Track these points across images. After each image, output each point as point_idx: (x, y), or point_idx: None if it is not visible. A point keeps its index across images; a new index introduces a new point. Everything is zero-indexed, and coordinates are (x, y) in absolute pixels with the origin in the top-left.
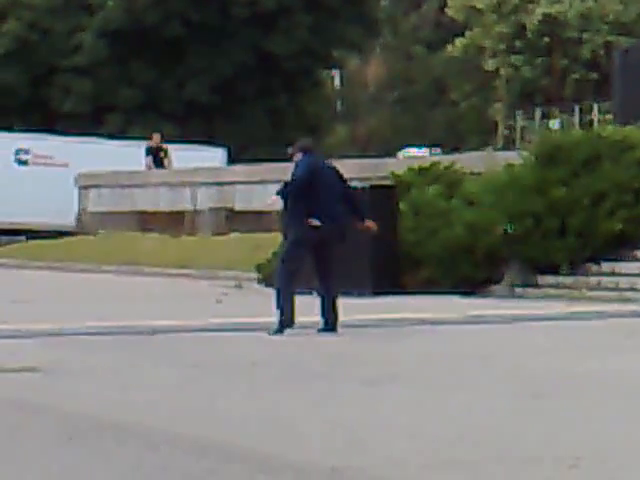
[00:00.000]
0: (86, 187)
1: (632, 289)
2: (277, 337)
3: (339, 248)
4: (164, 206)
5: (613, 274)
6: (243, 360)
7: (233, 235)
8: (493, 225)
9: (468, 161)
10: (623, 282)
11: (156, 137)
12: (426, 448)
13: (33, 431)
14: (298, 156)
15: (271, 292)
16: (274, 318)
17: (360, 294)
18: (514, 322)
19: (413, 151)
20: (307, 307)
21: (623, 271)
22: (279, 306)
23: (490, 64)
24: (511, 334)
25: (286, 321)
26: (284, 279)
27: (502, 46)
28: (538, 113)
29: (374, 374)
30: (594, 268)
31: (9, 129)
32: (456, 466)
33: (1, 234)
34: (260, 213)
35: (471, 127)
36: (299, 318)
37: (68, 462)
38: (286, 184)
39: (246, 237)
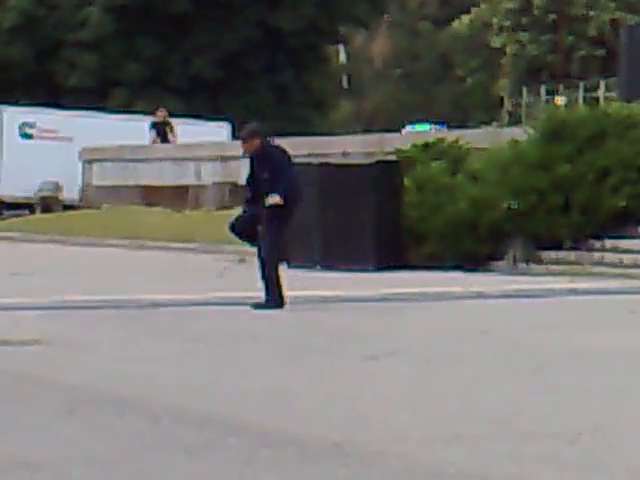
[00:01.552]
0: (90, 161)
1: (635, 265)
2: (271, 311)
3: (343, 223)
4: (168, 180)
5: (616, 250)
6: (244, 334)
7: (237, 209)
8: (497, 201)
9: (473, 137)
10: (626, 258)
11: (161, 112)
12: (427, 423)
13: (34, 403)
14: (256, 142)
15: None
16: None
17: (363, 269)
18: (516, 297)
19: (418, 127)
20: (302, 281)
21: (626, 247)
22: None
23: (496, 41)
24: (513, 309)
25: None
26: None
27: (508, 23)
28: (544, 90)
29: (375, 349)
30: (597, 244)
31: (14, 103)
32: (457, 441)
33: (5, 208)
34: None
35: (476, 103)
36: (302, 292)
37: (69, 434)
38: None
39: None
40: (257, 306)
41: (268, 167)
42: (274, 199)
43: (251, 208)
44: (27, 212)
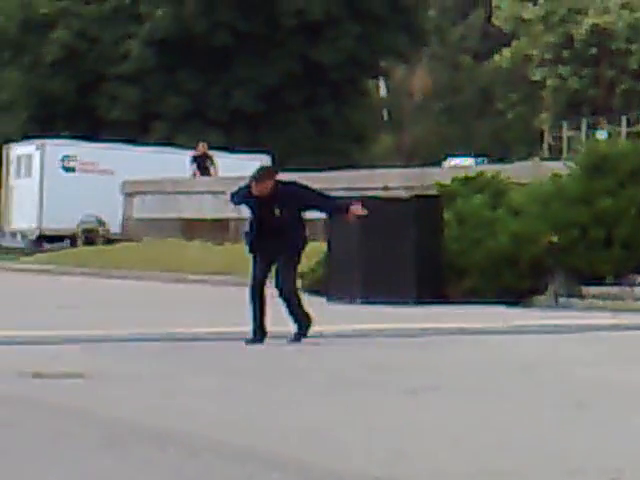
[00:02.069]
0: (131, 194)
1: None
2: (310, 345)
3: (384, 257)
4: (208, 213)
5: None
6: (284, 368)
7: None
8: (538, 235)
9: (514, 171)
10: None
11: (202, 145)
12: (468, 458)
13: (74, 437)
14: (269, 183)
15: (315, 300)
16: (322, 327)
17: (403, 303)
18: (558, 332)
19: (458, 161)
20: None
21: None
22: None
23: (537, 74)
24: (555, 344)
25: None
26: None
27: (549, 56)
28: (585, 123)
29: (415, 383)
30: (639, 279)
31: (56, 136)
32: (498, 476)
33: (47, 240)
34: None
35: (517, 137)
36: (342, 325)
37: (109, 468)
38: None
39: None
40: (295, 339)
41: (289, 204)
42: (358, 208)
43: (261, 258)
44: (68, 244)
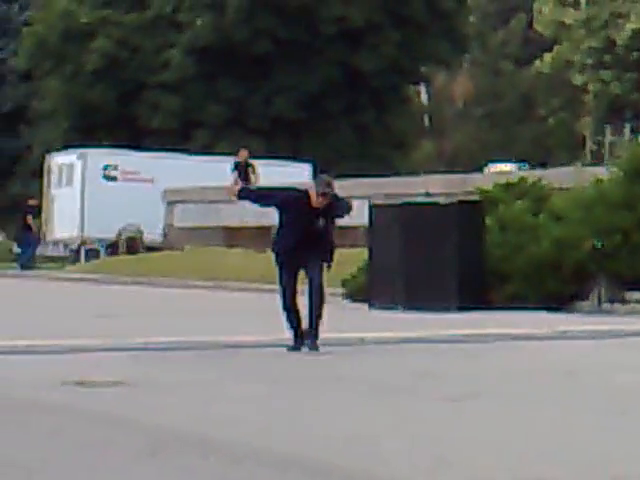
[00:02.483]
0: (172, 203)
1: None
2: (352, 352)
3: (426, 263)
4: (250, 221)
5: None
6: (327, 375)
7: None
8: (581, 241)
9: (556, 176)
10: None
11: (243, 152)
12: (512, 465)
13: (117, 445)
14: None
15: (356, 307)
16: (364, 334)
17: (446, 309)
18: (601, 338)
19: (500, 167)
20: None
21: None
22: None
23: (578, 79)
24: (598, 350)
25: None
26: None
27: (591, 61)
28: (628, 128)
29: (458, 390)
30: None
31: (97, 145)
32: None
33: (88, 250)
34: (345, 228)
35: (559, 142)
36: (384, 332)
37: (152, 476)
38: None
39: None
40: (315, 348)
41: (330, 216)
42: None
43: (291, 267)
44: (108, 253)
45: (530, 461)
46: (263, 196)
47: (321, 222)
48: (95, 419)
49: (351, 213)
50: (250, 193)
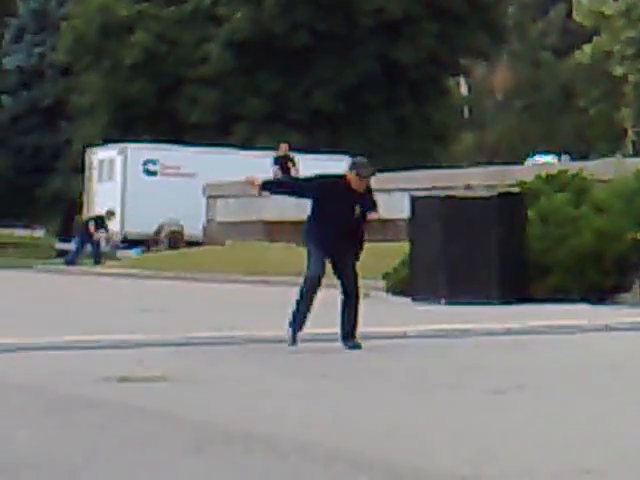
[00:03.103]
0: (213, 197)
1: None
2: (394, 346)
3: (468, 256)
4: (291, 215)
5: None
6: (370, 369)
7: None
8: (623, 232)
9: (597, 168)
10: None
11: (283, 146)
12: (555, 457)
13: (162, 441)
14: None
15: (399, 301)
16: (407, 327)
17: (488, 302)
18: None
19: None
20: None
21: None
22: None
23: (618, 70)
24: None
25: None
26: None
27: (631, 51)
28: None
29: (502, 383)
30: None
31: (137, 140)
32: (587, 475)
33: (130, 245)
34: (386, 221)
35: (599, 133)
36: (427, 325)
37: (197, 472)
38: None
39: (372, 246)
40: (356, 346)
41: (366, 202)
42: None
43: (323, 255)
44: (144, 248)
45: (575, 453)
46: (290, 185)
47: (358, 210)
48: (139, 415)
49: (380, 211)
50: (272, 185)
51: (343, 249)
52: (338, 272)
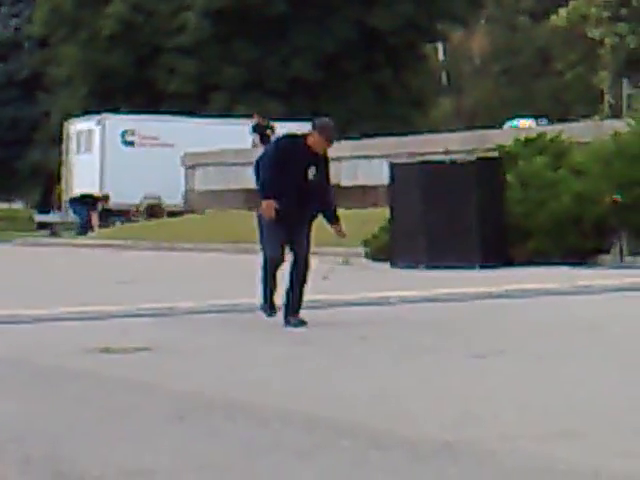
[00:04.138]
0: (192, 167)
1: None
2: (377, 313)
3: (447, 221)
4: None
5: None
6: (351, 335)
7: (339, 211)
8: (601, 195)
9: (575, 131)
10: None
11: (261, 115)
12: (537, 420)
13: (145, 410)
14: None
15: (379, 266)
16: (388, 293)
17: (468, 267)
18: (624, 291)
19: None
20: (407, 280)
21: None
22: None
23: (595, 33)
24: (621, 303)
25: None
26: None
27: (607, 14)
28: None
29: (483, 347)
30: None
31: (115, 110)
32: (567, 437)
33: (111, 215)
34: (365, 188)
35: (577, 97)
36: (408, 291)
37: (180, 441)
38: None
39: (352, 213)
40: (301, 323)
41: (322, 169)
42: (340, 230)
43: (281, 226)
44: (123, 219)
45: (556, 415)
46: (273, 174)
47: (311, 175)
48: (121, 385)
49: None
50: (272, 187)
51: (297, 215)
52: (290, 239)
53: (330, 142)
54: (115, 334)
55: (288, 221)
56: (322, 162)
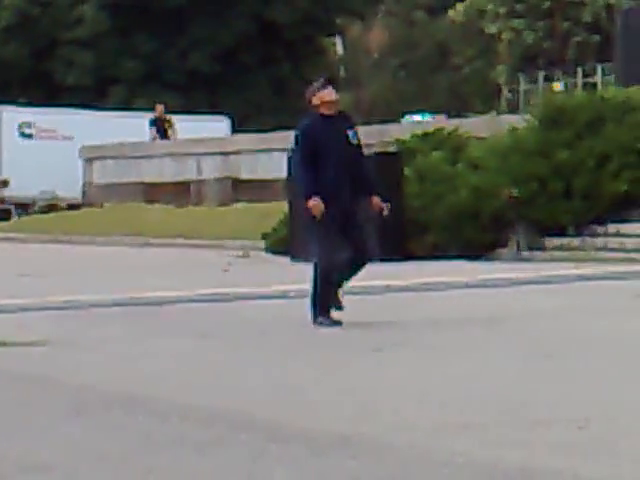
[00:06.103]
0: (90, 159)
1: (638, 250)
2: (277, 305)
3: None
4: (169, 177)
5: (619, 235)
6: (251, 329)
7: (239, 205)
8: (498, 189)
9: (472, 126)
10: (629, 243)
11: (160, 108)
12: (435, 412)
13: (42, 405)
14: None
15: (279, 260)
16: (287, 287)
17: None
18: (521, 285)
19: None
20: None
21: (629, 232)
22: None
23: (492, 28)
24: (519, 297)
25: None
26: None
27: (503, 10)
28: (541, 76)
29: (380, 340)
30: (600, 229)
31: (12, 102)
32: (465, 429)
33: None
34: (265, 182)
35: (474, 91)
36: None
37: (78, 435)
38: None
39: (252, 206)
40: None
41: (352, 127)
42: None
43: (334, 216)
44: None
45: (454, 408)
46: (309, 167)
47: (351, 134)
48: (17, 379)
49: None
50: (310, 183)
51: (351, 199)
52: (350, 235)
53: (334, 88)
54: (11, 328)
55: (341, 212)
56: (350, 120)
